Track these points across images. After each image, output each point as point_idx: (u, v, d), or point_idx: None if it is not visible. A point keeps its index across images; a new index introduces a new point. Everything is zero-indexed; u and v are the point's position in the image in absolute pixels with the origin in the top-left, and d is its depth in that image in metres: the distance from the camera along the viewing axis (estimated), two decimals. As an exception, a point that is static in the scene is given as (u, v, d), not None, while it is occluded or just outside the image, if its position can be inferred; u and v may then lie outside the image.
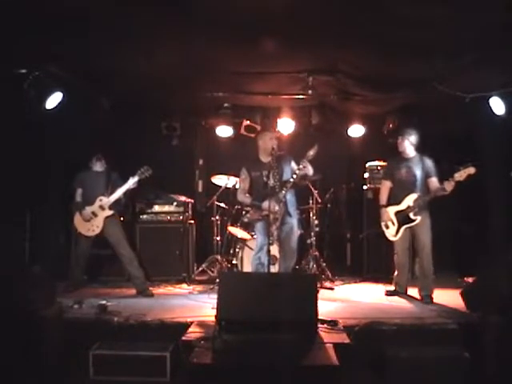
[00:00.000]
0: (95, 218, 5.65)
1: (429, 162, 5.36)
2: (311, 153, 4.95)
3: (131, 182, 5.63)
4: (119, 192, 5.63)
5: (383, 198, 5.58)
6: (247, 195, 5.33)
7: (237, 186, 6.11)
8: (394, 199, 5.46)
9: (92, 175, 5.82)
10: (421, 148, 5.48)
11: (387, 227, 5.50)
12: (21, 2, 3.85)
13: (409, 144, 5.39)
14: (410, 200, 5.28)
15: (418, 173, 5.31)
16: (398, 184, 5.46)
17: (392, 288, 5.67)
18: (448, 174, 5.06)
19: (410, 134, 5.40)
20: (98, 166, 5.82)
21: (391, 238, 5.50)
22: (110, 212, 5.65)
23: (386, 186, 5.60)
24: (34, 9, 3.93)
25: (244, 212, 6.47)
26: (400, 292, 5.57)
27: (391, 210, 5.44)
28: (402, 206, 5.32)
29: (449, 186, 5.00)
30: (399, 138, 5.47)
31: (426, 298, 5.19)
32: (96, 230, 5.66)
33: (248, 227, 6.29)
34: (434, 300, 5.19)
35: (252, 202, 5.26)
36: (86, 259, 5.86)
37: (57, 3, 3.84)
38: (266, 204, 4.88)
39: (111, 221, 5.69)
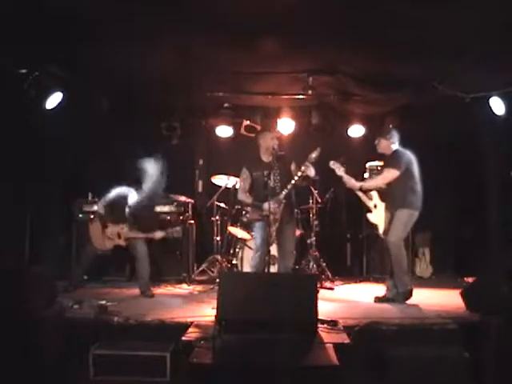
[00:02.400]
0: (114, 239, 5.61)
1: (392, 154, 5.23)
2: (313, 155, 4.91)
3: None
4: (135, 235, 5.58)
5: None
6: (248, 195, 5.33)
7: (237, 186, 6.10)
8: None
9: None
10: (421, 148, 5.42)
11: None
12: (21, 2, 3.86)
13: (385, 144, 5.30)
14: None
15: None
16: None
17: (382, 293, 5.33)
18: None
19: (386, 133, 5.33)
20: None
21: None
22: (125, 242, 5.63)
23: None
24: (35, 9, 3.94)
25: (244, 212, 6.47)
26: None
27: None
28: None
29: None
30: (376, 141, 5.40)
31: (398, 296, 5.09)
32: (108, 245, 5.62)
33: (248, 227, 6.29)
34: (434, 300, 5.17)
35: (253, 202, 5.25)
36: (89, 262, 5.80)
37: (57, 4, 3.85)
38: (266, 205, 4.88)
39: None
